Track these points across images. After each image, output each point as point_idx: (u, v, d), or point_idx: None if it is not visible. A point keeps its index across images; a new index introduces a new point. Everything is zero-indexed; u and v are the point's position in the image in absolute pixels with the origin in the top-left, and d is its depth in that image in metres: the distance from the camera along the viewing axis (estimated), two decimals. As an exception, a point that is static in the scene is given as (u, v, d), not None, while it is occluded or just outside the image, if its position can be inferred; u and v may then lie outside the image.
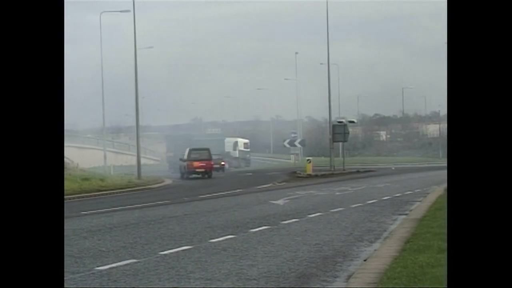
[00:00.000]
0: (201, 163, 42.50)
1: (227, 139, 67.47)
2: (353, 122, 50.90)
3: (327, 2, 44.62)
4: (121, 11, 45.76)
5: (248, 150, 70.83)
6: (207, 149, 43.61)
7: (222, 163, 53.33)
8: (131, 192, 29.14)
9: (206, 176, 42.10)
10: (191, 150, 43.36)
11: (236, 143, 68.03)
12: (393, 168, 48.62)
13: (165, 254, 9.40)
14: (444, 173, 35.87)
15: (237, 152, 66.50)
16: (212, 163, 43.95)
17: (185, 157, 43.33)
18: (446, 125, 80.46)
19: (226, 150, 61.50)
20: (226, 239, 10.87)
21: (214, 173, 43.78)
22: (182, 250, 9.74)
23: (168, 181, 37.45)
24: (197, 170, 42.49)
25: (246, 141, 71.48)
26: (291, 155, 58.61)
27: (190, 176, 42.25)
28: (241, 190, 26.24)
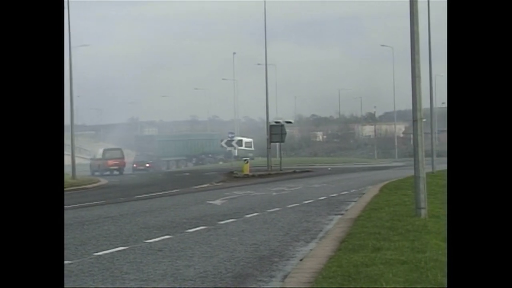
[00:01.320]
0: (115, 161, 50.94)
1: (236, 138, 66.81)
2: (290, 122, 51.19)
3: (264, 2, 44.86)
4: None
5: (251, 148, 70.51)
6: (120, 149, 52.70)
7: (147, 165, 58.23)
8: (66, 192, 28.56)
9: (118, 172, 50.38)
10: (105, 150, 51.89)
11: (240, 142, 67.29)
12: (329, 169, 49.14)
13: (99, 255, 9.25)
14: (378, 173, 36.46)
15: (236, 151, 65.64)
16: (125, 161, 52.14)
17: (100, 156, 51.26)
18: (381, 126, 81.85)
19: (228, 148, 60.33)
20: (162, 240, 10.78)
21: (136, 174, 50.05)
22: (117, 251, 9.60)
23: (103, 181, 36.91)
24: (111, 167, 50.74)
25: (249, 140, 71.49)
26: (228, 155, 58.59)
27: (104, 173, 49.35)
28: (178, 190, 26.07)
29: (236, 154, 64.70)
